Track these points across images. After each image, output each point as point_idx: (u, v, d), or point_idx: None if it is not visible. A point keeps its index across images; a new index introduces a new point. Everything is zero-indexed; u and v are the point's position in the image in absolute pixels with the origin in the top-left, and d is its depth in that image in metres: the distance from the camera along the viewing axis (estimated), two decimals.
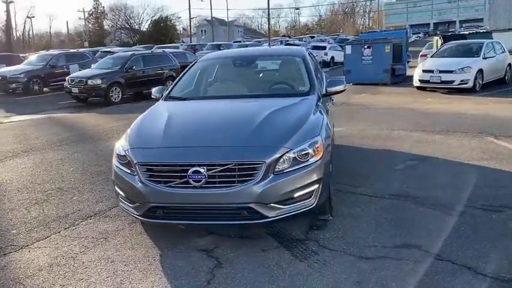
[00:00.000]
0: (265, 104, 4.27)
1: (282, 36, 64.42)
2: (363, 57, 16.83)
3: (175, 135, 3.73)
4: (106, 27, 76.88)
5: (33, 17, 65.88)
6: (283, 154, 3.42)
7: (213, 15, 64.78)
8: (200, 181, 3.33)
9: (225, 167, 3.33)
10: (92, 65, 16.90)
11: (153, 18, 73.37)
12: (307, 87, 4.70)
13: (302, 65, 5.02)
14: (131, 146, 3.69)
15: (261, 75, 5.38)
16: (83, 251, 3.63)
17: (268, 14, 46.12)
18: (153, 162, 3.48)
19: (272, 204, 3.38)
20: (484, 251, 3.33)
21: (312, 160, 3.56)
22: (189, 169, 3.34)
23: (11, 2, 56.17)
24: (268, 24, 50.87)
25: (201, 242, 3.68)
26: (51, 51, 23.02)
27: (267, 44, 38.40)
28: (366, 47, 16.85)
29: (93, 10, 74.73)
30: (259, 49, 7.59)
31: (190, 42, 52.75)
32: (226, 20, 72.96)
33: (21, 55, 22.43)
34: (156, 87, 5.21)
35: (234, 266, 3.27)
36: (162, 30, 67.35)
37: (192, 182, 3.34)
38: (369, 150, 6.73)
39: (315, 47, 31.59)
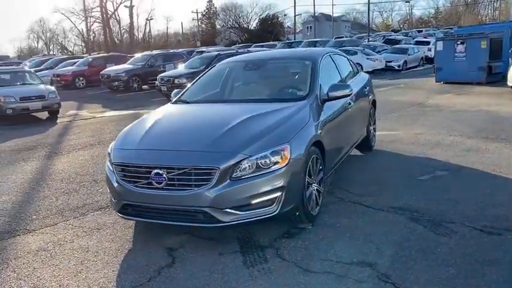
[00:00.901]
0: (251, 109, 4.31)
1: (392, 30, 61.69)
2: (456, 54, 15.58)
3: (149, 138, 3.97)
4: (218, 26, 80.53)
5: (151, 19, 71.61)
6: (241, 160, 3.46)
7: (320, 11, 64.48)
8: (161, 183, 3.52)
9: (182, 170, 3.48)
10: (182, 65, 18.01)
11: (261, 17, 75.05)
12: (306, 92, 4.62)
13: (309, 69, 4.93)
14: (115, 147, 4.02)
15: (266, 79, 5.39)
16: (72, 240, 4.05)
17: (368, 7, 44.59)
18: (125, 163, 3.76)
19: (227, 210, 3.45)
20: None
21: (274, 167, 3.54)
22: (151, 171, 3.56)
23: (133, 6, 61.78)
24: (368, 17, 49.25)
25: (170, 240, 3.87)
26: (150, 52, 24.88)
27: (367, 39, 37.29)
28: (459, 42, 15.56)
29: (206, 11, 78.78)
30: (274, 52, 7.46)
31: (294, 40, 53.15)
32: (332, 15, 71.85)
33: (128, 55, 24.56)
34: (175, 90, 5.51)
35: (183, 267, 3.40)
36: (269, 28, 68.67)
37: (154, 183, 3.55)
38: (406, 157, 6.32)
39: (418, 42, 29.89)
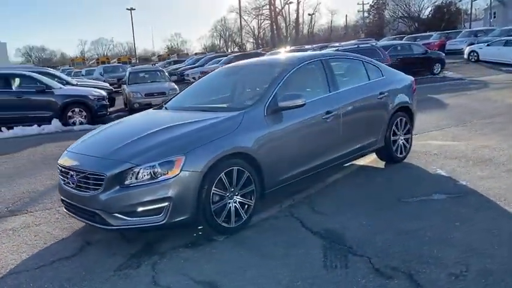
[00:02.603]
0: (186, 117, 4.44)
1: None
2: None
3: (81, 143, 4.47)
4: (387, 17, 77.27)
5: (313, 14, 72.43)
6: (128, 169, 3.67)
7: None
8: (74, 184, 3.98)
9: (83, 174, 3.87)
10: None
11: (435, 4, 69.27)
12: (252, 102, 4.51)
13: (273, 77, 4.76)
14: (68, 148, 4.60)
15: (234, 87, 5.30)
16: (41, 223, 4.77)
17: None
18: (58, 163, 4.32)
19: (116, 214, 3.71)
20: None
21: (161, 178, 3.66)
22: (69, 172, 4.05)
23: (300, 1, 63.40)
24: None
25: (89, 236, 4.27)
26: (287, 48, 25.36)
27: None
28: None
29: (375, 1, 76.22)
30: (267, 58, 6.90)
31: (470, 28, 47.85)
32: None
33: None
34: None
35: (80, 259, 3.78)
36: (445, 16, 63.04)
37: (70, 183, 4.03)
38: (429, 174, 5.54)
39: None
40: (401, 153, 6.09)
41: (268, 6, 66.96)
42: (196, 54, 47.11)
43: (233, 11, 70.59)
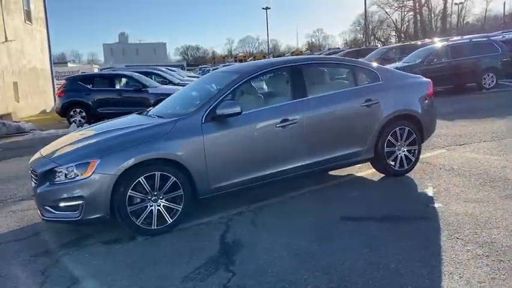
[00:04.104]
0: (135, 122, 4.77)
1: None
2: None
3: (49, 145, 4.99)
4: None
5: (463, 3, 65.41)
6: (52, 168, 4.16)
7: None
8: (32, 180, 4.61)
9: (31, 171, 4.47)
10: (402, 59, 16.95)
11: None
12: (193, 109, 4.61)
13: (226, 84, 4.78)
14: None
15: (201, 93, 5.33)
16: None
17: None
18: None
19: (46, 207, 4.23)
20: None
21: (77, 178, 4.07)
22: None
23: None
24: None
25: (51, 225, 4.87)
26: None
27: None
28: None
29: None
30: (237, 65, 6.39)
31: None
32: None
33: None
34: None
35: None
36: None
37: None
38: (406, 188, 5.07)
39: None
40: (401, 166, 5.51)
41: None
42: (329, 49, 46.78)
43: (374, 4, 67.72)
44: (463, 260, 3.27)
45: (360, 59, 7.17)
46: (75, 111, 13.67)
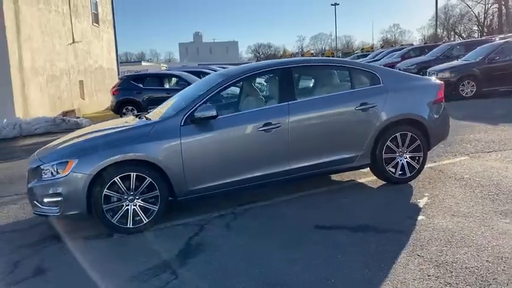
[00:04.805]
0: (121, 124, 4.93)
1: None
2: None
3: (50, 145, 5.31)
4: None
5: None
6: (38, 166, 4.44)
7: None
8: None
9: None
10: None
11: None
12: (172, 113, 4.68)
13: (209, 87, 4.80)
14: None
15: (190, 96, 5.31)
16: None
17: None
18: None
19: (35, 202, 4.53)
20: None
21: (57, 176, 4.32)
22: None
23: None
24: None
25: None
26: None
27: None
28: None
29: None
30: (225, 69, 6.12)
31: None
32: None
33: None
34: None
35: None
36: None
37: None
38: (396, 198, 4.74)
39: None
40: (403, 174, 5.20)
41: None
42: (402, 45, 44.77)
43: None
44: (408, 279, 3.04)
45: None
46: (127, 108, 14.39)
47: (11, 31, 13.57)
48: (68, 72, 17.65)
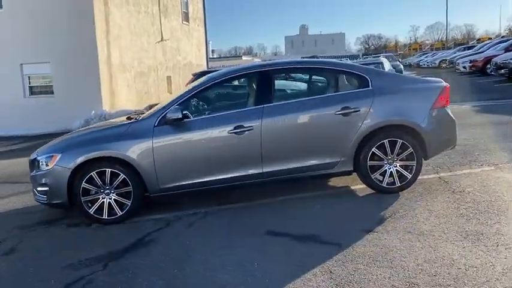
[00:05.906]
0: (112, 124, 5.31)
1: None
2: None
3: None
4: None
5: None
6: (34, 159, 5.02)
7: None
8: None
9: None
10: None
11: None
12: (152, 114, 4.91)
13: (188, 89, 4.95)
14: None
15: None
16: None
17: None
18: None
19: (35, 190, 5.13)
20: None
21: (44, 168, 4.85)
22: None
23: None
24: None
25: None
26: None
27: None
28: None
29: None
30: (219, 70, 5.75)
31: None
32: None
33: None
34: None
35: None
36: None
37: None
38: (368, 208, 4.42)
39: None
40: (392, 183, 4.86)
41: None
42: (501, 37, 39.80)
43: None
44: None
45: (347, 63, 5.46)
46: None
47: (100, 31, 15.02)
48: (155, 69, 19.00)
